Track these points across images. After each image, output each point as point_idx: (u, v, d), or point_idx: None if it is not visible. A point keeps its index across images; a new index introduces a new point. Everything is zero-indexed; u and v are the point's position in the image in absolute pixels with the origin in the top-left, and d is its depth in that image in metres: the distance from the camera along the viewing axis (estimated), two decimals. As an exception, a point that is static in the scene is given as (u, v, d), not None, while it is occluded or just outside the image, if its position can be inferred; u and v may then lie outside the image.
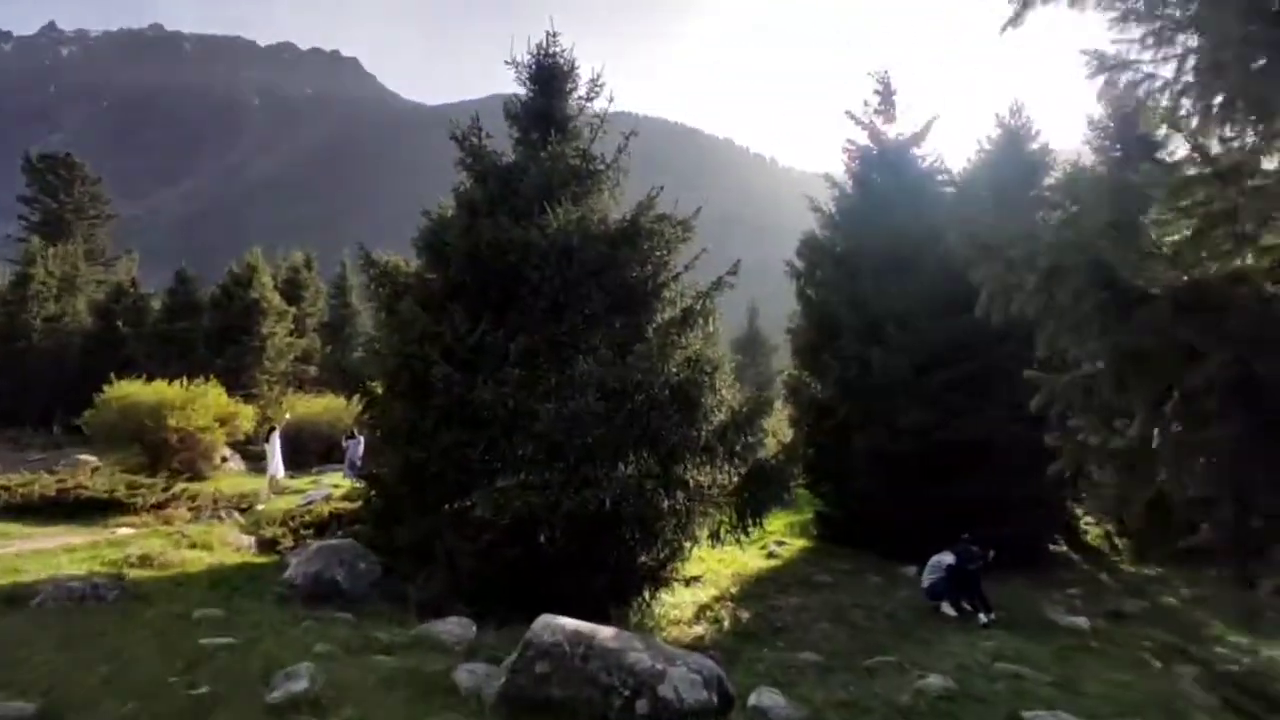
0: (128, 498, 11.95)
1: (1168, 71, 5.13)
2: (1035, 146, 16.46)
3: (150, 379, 21.72)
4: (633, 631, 6.10)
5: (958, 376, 13.28)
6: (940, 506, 11.92)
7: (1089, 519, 15.96)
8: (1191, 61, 4.97)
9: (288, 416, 23.67)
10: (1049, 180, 15.05)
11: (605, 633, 5.10)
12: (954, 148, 29.51)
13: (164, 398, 20.15)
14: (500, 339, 9.00)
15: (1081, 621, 9.78)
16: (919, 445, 12.82)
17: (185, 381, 21.12)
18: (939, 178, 16.77)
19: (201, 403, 20.59)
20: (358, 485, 15.28)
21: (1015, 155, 16.18)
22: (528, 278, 9.16)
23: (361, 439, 19.95)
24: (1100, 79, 5.38)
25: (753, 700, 5.46)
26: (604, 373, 8.36)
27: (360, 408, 10.30)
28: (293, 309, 31.95)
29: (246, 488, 18.63)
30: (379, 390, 10.11)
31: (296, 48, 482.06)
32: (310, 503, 14.88)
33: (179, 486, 13.06)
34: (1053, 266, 5.12)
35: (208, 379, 21.84)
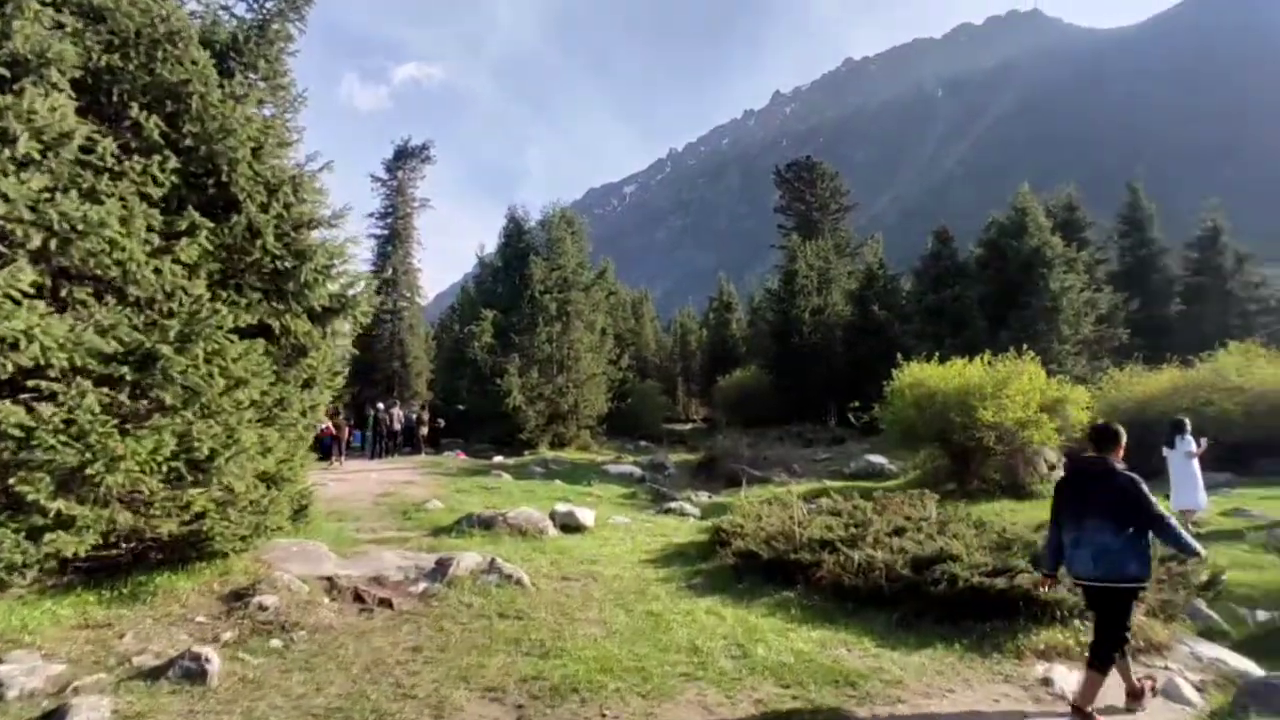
0: (1029, 586, 5.73)
1: None
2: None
3: (928, 359, 16.81)
4: None
5: None
6: None
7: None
8: None
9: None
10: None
11: None
12: None
13: (968, 383, 14.65)
14: None
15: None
16: None
17: (972, 360, 15.34)
18: None
19: (1016, 386, 14.35)
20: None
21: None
22: None
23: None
24: None
25: None
26: None
27: None
28: (1080, 255, 23.56)
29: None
30: None
31: (972, 25, 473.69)
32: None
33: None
34: None
35: (991, 355, 15.49)
